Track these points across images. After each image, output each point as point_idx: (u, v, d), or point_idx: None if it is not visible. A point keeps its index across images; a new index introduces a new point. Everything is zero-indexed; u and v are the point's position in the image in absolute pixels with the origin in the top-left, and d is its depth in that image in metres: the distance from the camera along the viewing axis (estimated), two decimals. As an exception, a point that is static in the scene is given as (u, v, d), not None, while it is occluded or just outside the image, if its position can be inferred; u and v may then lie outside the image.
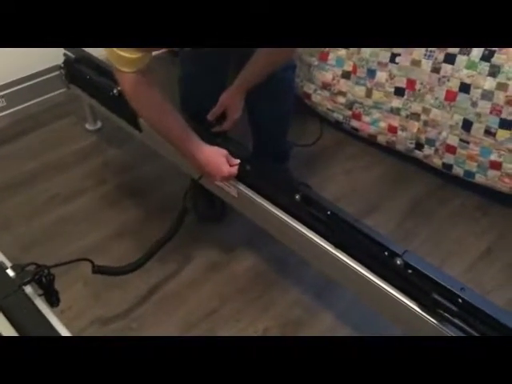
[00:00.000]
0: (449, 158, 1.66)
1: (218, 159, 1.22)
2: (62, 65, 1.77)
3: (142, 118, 1.29)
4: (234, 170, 1.25)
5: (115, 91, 1.54)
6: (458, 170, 1.66)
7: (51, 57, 1.78)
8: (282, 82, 1.42)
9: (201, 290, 1.43)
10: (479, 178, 1.62)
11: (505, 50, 1.44)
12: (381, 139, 1.82)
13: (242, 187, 1.30)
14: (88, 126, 1.95)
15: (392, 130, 1.76)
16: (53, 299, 1.11)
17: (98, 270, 1.21)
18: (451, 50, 1.53)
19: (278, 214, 1.24)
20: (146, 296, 1.41)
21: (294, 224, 1.22)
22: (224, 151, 1.25)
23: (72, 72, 1.75)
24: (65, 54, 1.76)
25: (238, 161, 1.26)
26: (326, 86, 1.86)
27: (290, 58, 1.45)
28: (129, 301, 1.39)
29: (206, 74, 1.40)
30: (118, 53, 1.08)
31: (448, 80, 1.57)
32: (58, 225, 1.59)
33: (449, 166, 1.68)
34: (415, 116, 1.69)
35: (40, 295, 1.06)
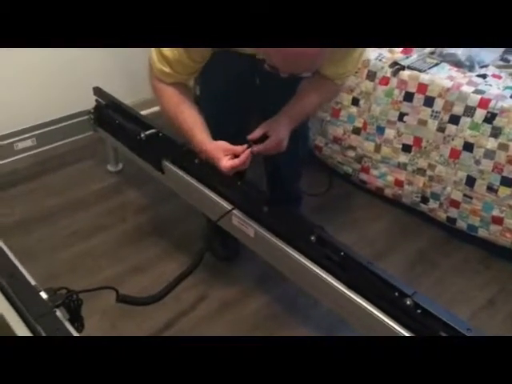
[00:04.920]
0: (453, 212, 1.75)
1: (216, 154, 1.21)
2: (93, 110, 1.89)
3: (162, 110, 1.33)
4: (233, 162, 1.19)
5: (142, 135, 1.64)
6: (461, 224, 1.74)
7: (81, 101, 1.91)
8: (299, 127, 1.46)
9: (214, 327, 1.47)
10: (482, 233, 1.71)
11: (506, 113, 1.56)
12: (388, 192, 1.91)
13: (259, 228, 1.38)
14: (110, 168, 2.05)
15: (399, 183, 1.86)
16: (78, 325, 1.16)
17: (121, 298, 1.27)
18: (456, 112, 1.66)
19: (294, 254, 1.31)
20: (161, 329, 1.45)
21: (309, 264, 1.29)
22: (224, 145, 1.21)
23: (101, 117, 1.87)
24: (96, 100, 1.89)
25: (242, 149, 1.20)
26: (337, 141, 1.97)
27: (334, 98, 1.53)
28: (144, 333, 1.43)
29: (227, 119, 1.43)
30: (161, 66, 1.21)
31: (452, 139, 1.68)
32: (78, 259, 1.66)
33: (453, 220, 1.76)
34: (421, 171, 1.79)
35: (68, 319, 1.12)
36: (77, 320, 1.15)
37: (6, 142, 1.82)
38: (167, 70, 1.22)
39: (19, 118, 1.87)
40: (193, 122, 1.25)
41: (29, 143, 1.85)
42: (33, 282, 1.14)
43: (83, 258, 1.66)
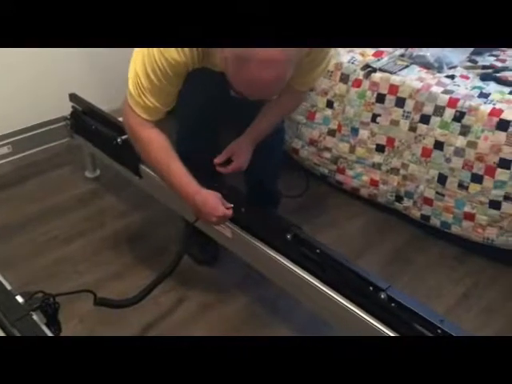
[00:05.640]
0: (426, 210, 1.79)
1: (214, 200, 1.29)
2: (69, 116, 1.89)
3: (146, 160, 1.35)
4: (229, 211, 1.32)
5: (119, 140, 1.65)
6: (435, 221, 1.79)
7: (57, 108, 1.91)
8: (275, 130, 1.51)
9: (193, 330, 1.48)
10: (455, 229, 1.75)
11: (474, 111, 1.61)
12: (363, 192, 1.95)
13: (237, 228, 1.40)
14: (87, 174, 2.05)
15: (374, 183, 1.90)
16: (55, 329, 1.16)
17: (99, 301, 1.27)
18: (426, 112, 1.70)
19: (270, 253, 1.34)
20: (140, 333, 1.46)
21: (286, 262, 1.31)
22: (219, 194, 1.32)
23: (78, 123, 1.87)
24: (73, 107, 1.89)
25: (232, 205, 1.33)
26: (312, 143, 2.00)
27: (300, 105, 1.62)
28: (124, 337, 1.43)
29: (202, 129, 1.50)
30: (148, 99, 1.19)
31: (424, 138, 1.72)
32: (56, 265, 1.65)
33: (426, 217, 1.80)
34: (395, 171, 1.83)
35: (44, 323, 1.12)
36: (54, 324, 1.15)
37: (-20, 149, 1.82)
38: (151, 103, 1.20)
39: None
40: (183, 174, 1.29)
41: (5, 150, 1.85)
42: (9, 287, 1.14)
43: (62, 264, 1.66)
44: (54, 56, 2.03)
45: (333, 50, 1.32)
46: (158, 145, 1.27)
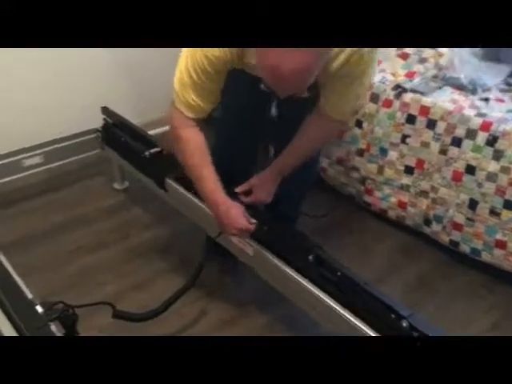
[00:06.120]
0: (456, 235, 1.74)
1: (237, 212, 1.32)
2: (101, 128, 1.93)
3: (182, 161, 1.37)
4: (251, 226, 1.33)
5: (147, 153, 1.68)
6: (464, 248, 1.73)
7: (90, 120, 1.95)
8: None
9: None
10: (485, 256, 1.69)
11: (507, 136, 1.56)
12: (391, 214, 1.91)
13: (258, 246, 1.39)
14: (116, 186, 2.08)
15: (402, 205, 1.86)
16: (73, 340, 1.17)
17: (118, 314, 1.27)
18: (458, 134, 1.66)
19: (291, 273, 1.32)
20: (159, 348, 1.45)
21: (306, 284, 1.29)
22: (243, 207, 1.35)
23: (109, 135, 1.91)
24: (104, 119, 1.93)
25: (255, 221, 1.35)
26: (340, 162, 1.98)
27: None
28: (141, 351, 1.43)
29: (240, 146, 1.50)
30: (190, 96, 1.23)
31: (455, 161, 1.68)
32: (79, 275, 1.67)
33: (456, 243, 1.75)
34: (424, 193, 1.78)
35: (63, 334, 1.13)
36: (72, 335, 1.16)
37: (14, 158, 1.86)
38: (193, 100, 1.23)
39: (28, 135, 1.91)
40: (213, 182, 1.32)
41: (37, 160, 1.89)
42: (29, 296, 1.16)
43: (85, 274, 1.68)
44: (89, 70, 2.08)
45: (371, 78, 1.30)
46: (194, 145, 1.30)
